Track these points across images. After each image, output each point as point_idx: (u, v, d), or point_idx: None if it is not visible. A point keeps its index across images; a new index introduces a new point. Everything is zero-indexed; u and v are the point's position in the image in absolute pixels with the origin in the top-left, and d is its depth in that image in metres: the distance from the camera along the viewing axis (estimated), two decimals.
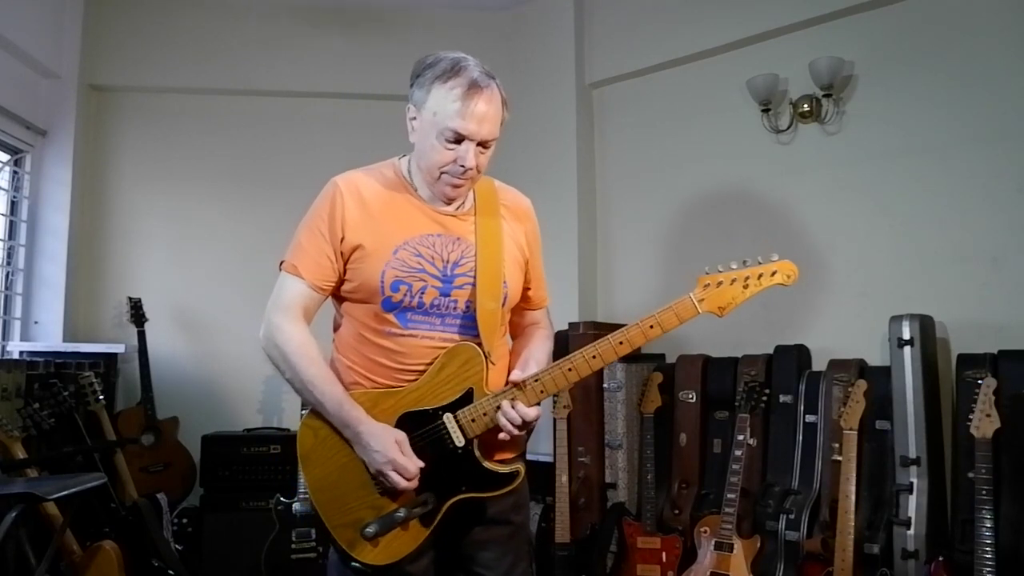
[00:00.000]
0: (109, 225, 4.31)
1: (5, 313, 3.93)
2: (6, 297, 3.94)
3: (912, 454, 2.85)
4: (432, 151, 1.61)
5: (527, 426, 1.61)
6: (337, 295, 1.72)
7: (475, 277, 1.66)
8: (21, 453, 2.95)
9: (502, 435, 1.60)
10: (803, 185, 3.60)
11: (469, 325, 1.65)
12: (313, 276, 1.65)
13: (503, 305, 1.70)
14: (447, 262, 1.65)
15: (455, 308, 1.66)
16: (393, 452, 1.57)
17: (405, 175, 1.72)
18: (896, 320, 2.96)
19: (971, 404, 2.57)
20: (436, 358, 1.63)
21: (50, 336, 3.97)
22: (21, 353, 3.74)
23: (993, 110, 3.11)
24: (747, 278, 1.62)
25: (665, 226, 4.05)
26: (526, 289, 1.81)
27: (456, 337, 1.65)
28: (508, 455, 1.69)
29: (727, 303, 1.63)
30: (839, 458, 2.87)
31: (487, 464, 1.62)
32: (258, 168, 4.42)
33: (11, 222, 3.99)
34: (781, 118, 3.65)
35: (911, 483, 2.84)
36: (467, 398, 1.61)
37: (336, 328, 1.77)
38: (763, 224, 3.70)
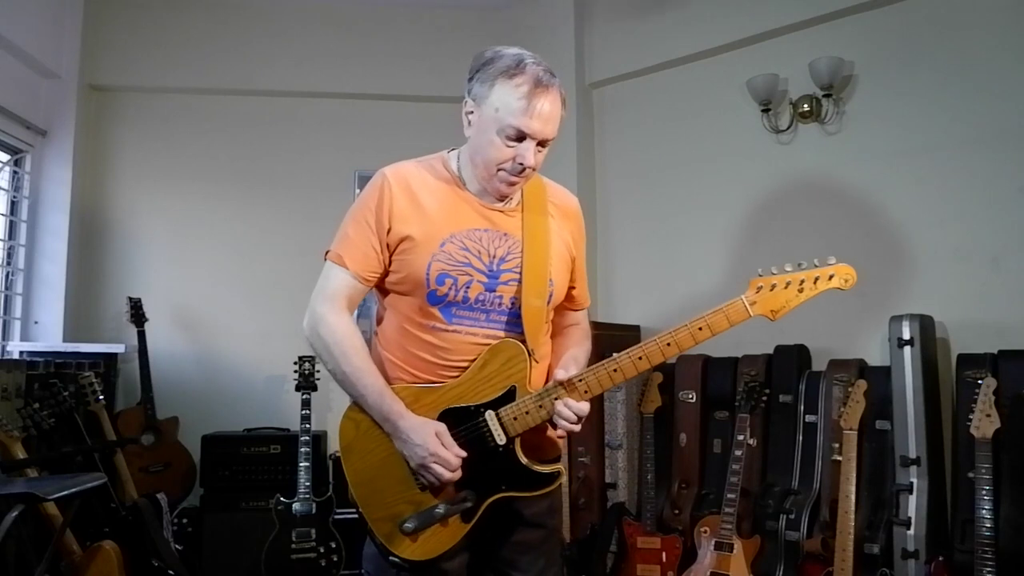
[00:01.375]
0: (109, 225, 4.31)
1: (5, 313, 3.93)
2: (6, 297, 3.94)
3: (912, 454, 2.85)
4: (491, 147, 1.60)
5: (581, 420, 1.60)
6: (381, 287, 1.71)
7: (521, 273, 1.64)
8: (21, 453, 2.95)
9: (559, 432, 1.60)
10: (803, 185, 3.60)
11: (514, 322, 1.64)
12: (358, 267, 1.64)
13: (548, 303, 1.69)
14: (493, 257, 1.64)
15: (500, 304, 1.64)
16: (434, 445, 1.55)
17: (454, 169, 1.71)
18: (896, 320, 2.96)
19: (971, 404, 2.58)
20: (479, 354, 1.62)
21: (50, 336, 3.97)
22: (21, 353, 3.74)
23: (993, 110, 3.11)
24: (802, 281, 1.58)
25: (665, 226, 4.05)
26: (571, 288, 1.81)
27: (500, 334, 1.64)
28: (548, 456, 1.68)
29: (780, 307, 1.59)
30: (839, 458, 2.87)
31: (528, 463, 1.60)
32: (258, 168, 4.42)
33: (11, 222, 3.99)
34: (781, 118, 3.65)
35: (911, 483, 2.84)
36: (509, 396, 1.60)
37: (379, 321, 1.75)
38: (763, 224, 3.70)
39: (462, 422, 1.60)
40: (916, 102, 3.30)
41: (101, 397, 3.50)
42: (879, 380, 3.00)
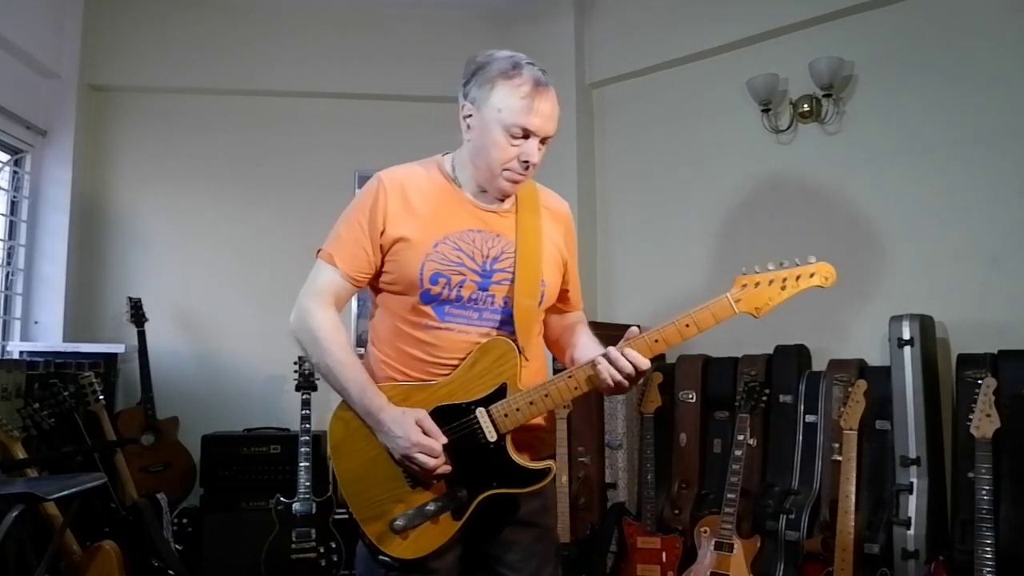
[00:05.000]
0: (109, 225, 4.31)
1: (5, 313, 3.93)
2: (6, 297, 3.94)
3: (912, 454, 2.85)
4: (495, 147, 1.63)
5: (638, 376, 1.58)
6: (374, 287, 1.73)
7: (514, 273, 1.67)
8: (21, 453, 2.95)
9: (611, 381, 1.57)
10: (803, 185, 3.60)
11: (506, 321, 1.67)
12: (348, 267, 1.67)
13: (540, 304, 1.71)
14: (487, 257, 1.67)
15: (492, 303, 1.67)
16: (415, 434, 1.56)
17: (449, 171, 1.74)
18: (896, 320, 2.96)
19: (971, 404, 2.58)
20: (470, 352, 1.64)
21: (50, 336, 3.97)
22: (21, 353, 3.74)
23: (993, 110, 3.11)
24: (784, 279, 1.63)
25: (665, 226, 4.05)
26: (564, 291, 1.83)
27: (492, 332, 1.66)
28: (539, 454, 1.68)
29: (764, 304, 1.63)
30: (839, 458, 2.87)
31: (519, 460, 1.61)
32: (258, 168, 4.42)
33: (11, 222, 3.99)
34: (781, 118, 3.65)
35: (911, 483, 2.84)
36: (500, 393, 1.61)
37: (372, 319, 1.78)
38: (763, 224, 3.70)
39: (453, 419, 1.61)
40: (916, 102, 3.30)
41: (101, 397, 3.50)
42: (879, 380, 3.00)
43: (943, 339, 3.11)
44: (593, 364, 1.58)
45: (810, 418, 3.21)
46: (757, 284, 1.63)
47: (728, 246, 3.81)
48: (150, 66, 4.32)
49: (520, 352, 1.63)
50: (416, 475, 1.60)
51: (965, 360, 2.92)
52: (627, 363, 1.56)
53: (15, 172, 4.00)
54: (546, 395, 1.60)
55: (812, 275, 1.64)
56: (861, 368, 3.16)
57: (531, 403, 1.60)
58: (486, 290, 1.66)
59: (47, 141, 4.09)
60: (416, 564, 1.61)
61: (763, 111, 3.63)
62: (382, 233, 1.66)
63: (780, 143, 3.67)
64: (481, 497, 1.60)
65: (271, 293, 4.30)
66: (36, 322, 4.00)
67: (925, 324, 2.97)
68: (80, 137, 4.17)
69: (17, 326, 3.96)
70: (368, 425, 1.63)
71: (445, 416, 1.61)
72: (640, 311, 3.86)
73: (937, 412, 2.97)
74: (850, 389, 2.92)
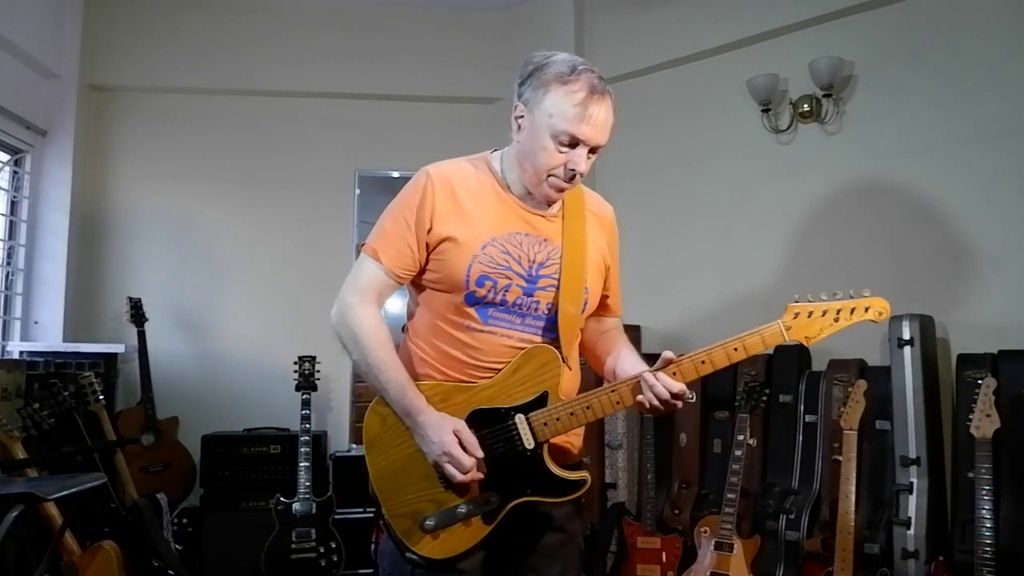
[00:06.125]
0: (109, 225, 4.31)
1: (5, 313, 3.93)
2: (6, 297, 3.94)
3: (912, 454, 2.85)
4: (543, 152, 1.59)
5: (674, 401, 1.58)
6: (417, 283, 1.70)
7: (559, 280, 1.65)
8: (21, 453, 2.95)
9: (649, 404, 1.58)
10: (803, 185, 3.60)
11: (549, 328, 1.64)
12: (392, 263, 1.64)
13: (583, 311, 1.69)
14: (533, 262, 1.64)
15: (536, 309, 1.64)
16: (449, 444, 1.54)
17: (497, 171, 1.70)
18: (896, 320, 2.96)
19: (971, 404, 2.58)
20: (511, 357, 1.62)
21: (50, 336, 3.97)
22: (21, 353, 3.74)
23: (993, 110, 3.11)
24: (839, 311, 1.63)
25: (665, 226, 4.05)
26: (605, 297, 1.81)
27: (534, 338, 1.64)
28: (567, 461, 1.67)
29: (815, 334, 1.63)
30: (839, 458, 2.87)
31: (555, 469, 1.59)
32: (258, 168, 4.42)
33: (11, 222, 3.99)
34: (781, 118, 3.65)
35: (911, 483, 2.84)
36: (541, 401, 1.59)
37: (410, 316, 1.75)
38: (763, 224, 3.70)
39: (492, 423, 1.59)
40: (916, 102, 3.29)
41: (101, 397, 3.50)
42: (879, 380, 3.00)
43: (943, 339, 3.11)
44: (638, 383, 1.58)
45: (810, 418, 3.21)
46: (811, 314, 1.63)
47: (728, 246, 3.81)
48: (150, 66, 4.32)
49: (564, 361, 1.61)
50: (450, 482, 1.59)
51: (965, 360, 2.92)
52: (663, 389, 1.56)
53: (15, 172, 4.00)
54: (588, 408, 1.59)
55: (867, 309, 1.64)
56: (861, 368, 3.16)
57: (572, 414, 1.58)
58: (531, 295, 1.63)
59: (47, 141, 4.09)
60: (443, 564, 1.60)
61: (763, 111, 3.63)
62: (429, 231, 1.62)
63: (780, 143, 3.67)
64: (513, 503, 1.59)
65: (271, 293, 4.31)
66: (36, 322, 4.01)
67: (925, 324, 2.97)
68: (80, 137, 4.17)
69: (17, 326, 3.96)
70: (407, 425, 1.61)
71: (484, 419, 1.60)
72: (640, 311, 3.86)
73: (937, 412, 2.97)
74: (850, 389, 2.92)
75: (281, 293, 4.31)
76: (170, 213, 4.35)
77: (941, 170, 3.22)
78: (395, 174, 4.36)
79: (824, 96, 3.45)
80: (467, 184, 1.66)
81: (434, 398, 1.60)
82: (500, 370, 1.62)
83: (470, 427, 1.58)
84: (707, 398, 3.52)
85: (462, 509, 1.57)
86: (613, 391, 1.60)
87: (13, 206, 4.01)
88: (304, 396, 3.67)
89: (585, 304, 1.69)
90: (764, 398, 3.12)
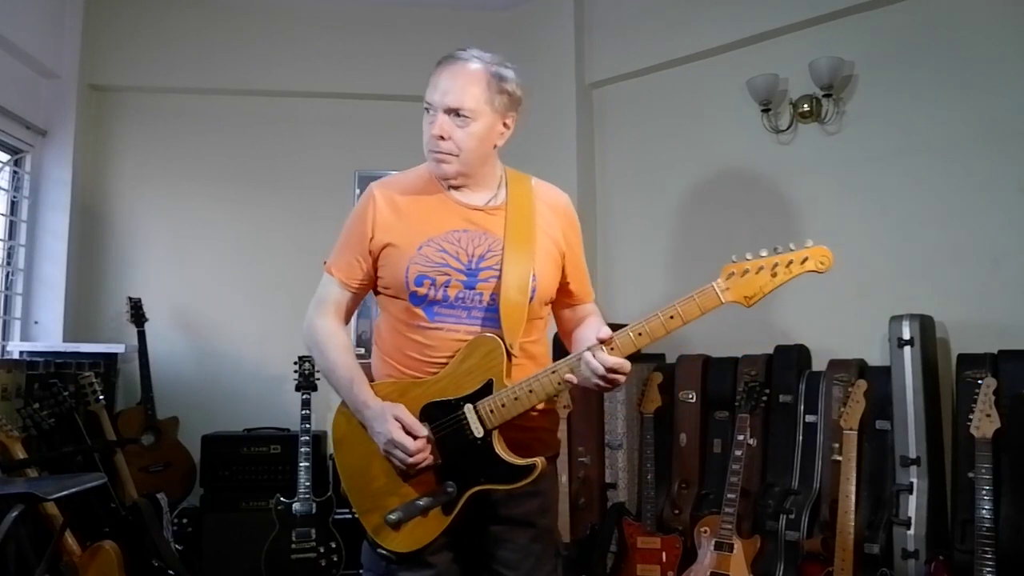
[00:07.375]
0: (109, 225, 4.31)
1: (5, 313, 3.93)
2: (6, 297, 3.94)
3: (912, 454, 2.85)
4: (423, 135, 1.72)
5: (611, 375, 1.56)
6: (376, 292, 1.81)
7: (500, 270, 1.69)
8: (21, 453, 2.95)
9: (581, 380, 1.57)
10: (803, 185, 3.60)
11: (494, 318, 1.68)
12: (343, 275, 1.77)
13: (532, 299, 1.71)
14: (472, 256, 1.70)
15: (480, 301, 1.69)
16: (393, 431, 1.61)
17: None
18: (896, 320, 2.96)
19: (971, 404, 2.58)
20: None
21: (50, 336, 3.97)
22: (21, 353, 3.74)
23: (993, 110, 3.11)
24: (775, 265, 1.54)
25: (665, 226, 4.05)
26: (566, 283, 1.84)
27: (480, 330, 1.68)
28: (538, 454, 1.67)
29: (754, 292, 1.55)
30: (839, 458, 2.88)
31: (505, 456, 1.63)
32: (258, 168, 4.42)
33: (11, 222, 3.99)
34: (781, 118, 3.65)
35: (911, 483, 2.84)
36: (487, 389, 1.63)
37: (376, 324, 1.85)
38: (763, 224, 3.69)
39: (443, 415, 1.65)
40: (916, 102, 3.30)
41: (101, 397, 3.50)
42: (879, 380, 3.00)
43: (943, 339, 3.11)
44: (577, 363, 1.59)
45: (810, 418, 3.21)
46: (745, 272, 1.56)
47: (728, 246, 3.79)
48: (150, 66, 4.32)
49: (507, 348, 1.64)
50: (398, 469, 1.64)
51: (965, 360, 2.92)
52: (598, 364, 1.56)
53: (15, 172, 4.00)
54: (531, 391, 1.61)
55: (805, 260, 1.55)
56: (861, 368, 3.16)
57: (515, 398, 1.61)
58: (473, 288, 1.69)
59: (47, 141, 4.09)
60: (412, 557, 1.66)
61: (763, 111, 3.63)
62: (372, 239, 1.73)
63: (780, 143, 3.67)
64: (470, 492, 1.63)
65: (271, 293, 4.31)
66: (36, 322, 4.01)
67: (925, 324, 2.97)
68: (80, 137, 4.17)
69: (17, 326, 3.96)
70: (359, 421, 1.69)
71: (437, 412, 1.65)
72: (640, 311, 3.86)
73: (937, 412, 2.97)
74: (850, 389, 2.92)
75: (281, 293, 4.30)
76: (170, 213, 4.35)
77: (941, 170, 3.22)
78: (395, 174, 4.35)
79: (824, 96, 3.45)
80: (408, 191, 1.77)
81: (392, 395, 1.68)
82: (449, 363, 1.67)
83: (425, 421, 1.64)
84: (707, 398, 3.51)
85: (421, 502, 1.63)
86: (553, 372, 1.62)
87: (13, 206, 4.01)
88: (304, 396, 3.66)
89: (534, 292, 1.71)
90: (764, 398, 3.12)
